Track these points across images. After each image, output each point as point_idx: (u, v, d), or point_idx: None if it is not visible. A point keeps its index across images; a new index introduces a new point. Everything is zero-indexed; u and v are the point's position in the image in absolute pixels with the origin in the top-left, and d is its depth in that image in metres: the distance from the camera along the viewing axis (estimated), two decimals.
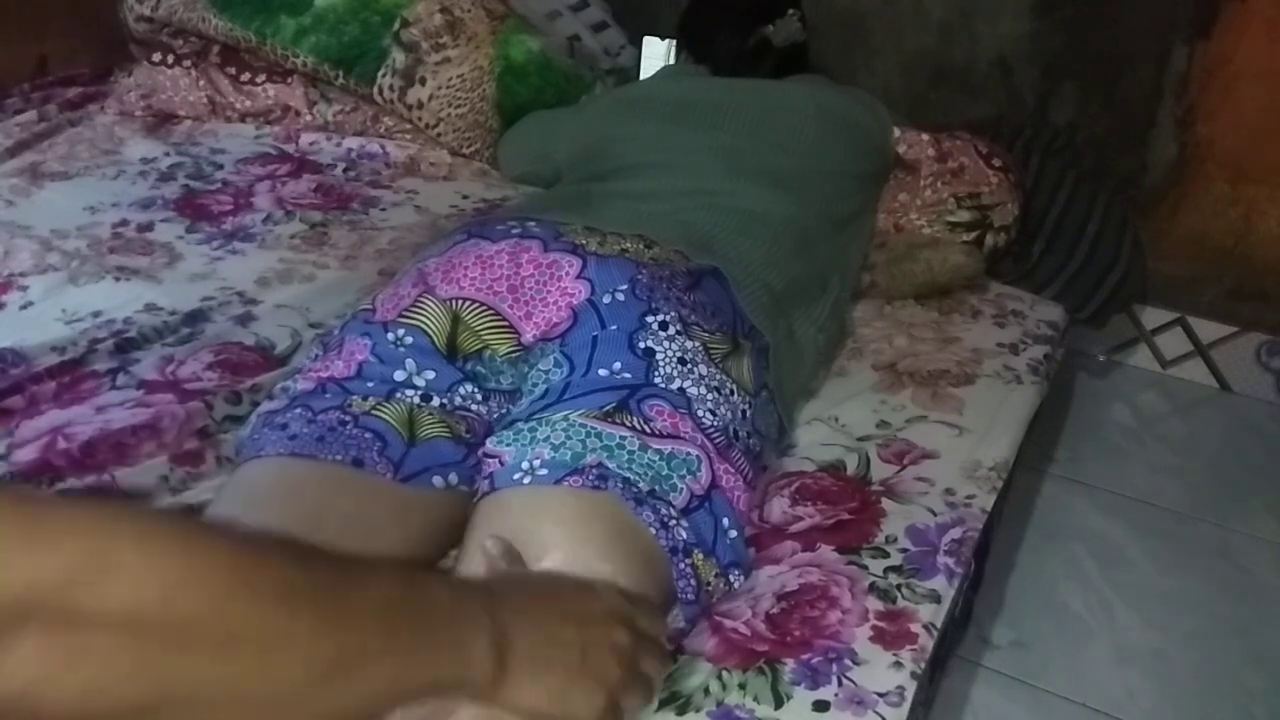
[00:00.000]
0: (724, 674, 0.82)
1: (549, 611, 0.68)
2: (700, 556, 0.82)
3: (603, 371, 0.87)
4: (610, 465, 0.80)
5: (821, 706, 0.80)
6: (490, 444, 0.85)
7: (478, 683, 0.61)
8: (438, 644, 0.59)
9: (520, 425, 0.85)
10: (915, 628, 0.87)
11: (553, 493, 0.79)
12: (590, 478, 0.79)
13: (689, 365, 0.89)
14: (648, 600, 0.76)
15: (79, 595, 0.43)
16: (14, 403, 1.06)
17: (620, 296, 0.92)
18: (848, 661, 0.83)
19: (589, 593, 0.72)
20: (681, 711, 0.79)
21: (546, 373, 0.90)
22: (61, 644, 0.43)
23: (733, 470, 0.86)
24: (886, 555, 0.95)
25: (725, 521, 0.84)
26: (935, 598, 0.91)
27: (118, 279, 1.31)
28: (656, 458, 0.82)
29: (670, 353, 0.89)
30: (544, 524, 0.78)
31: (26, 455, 0.99)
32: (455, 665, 0.59)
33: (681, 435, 0.85)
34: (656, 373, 0.87)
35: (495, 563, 0.74)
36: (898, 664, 0.84)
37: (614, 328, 0.90)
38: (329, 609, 0.52)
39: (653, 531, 0.79)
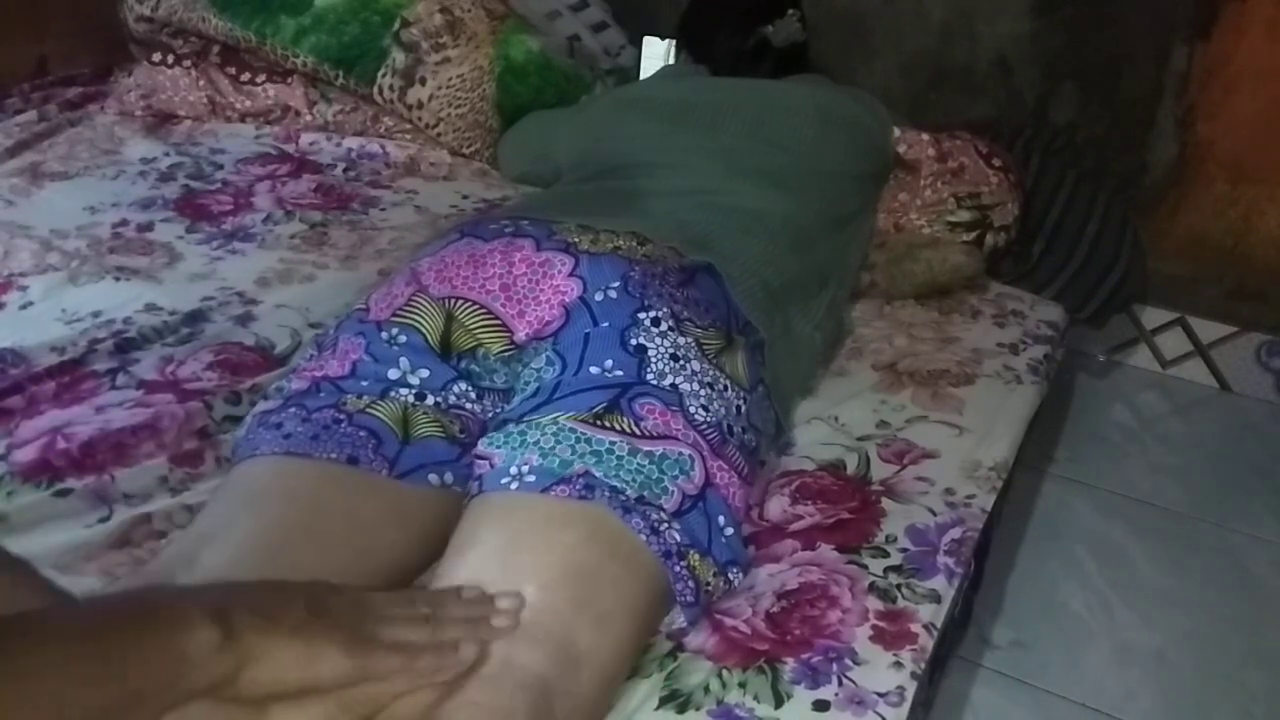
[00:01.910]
0: (724, 672, 0.82)
1: (265, 587, 0.68)
2: (697, 557, 0.82)
3: (594, 369, 0.87)
4: (598, 474, 0.80)
5: (821, 706, 0.80)
6: (481, 445, 0.85)
7: (208, 668, 0.59)
8: (148, 643, 0.57)
9: (511, 427, 0.85)
10: (915, 628, 0.87)
11: (539, 501, 0.79)
12: (577, 487, 0.79)
13: (681, 361, 0.88)
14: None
15: None
16: (14, 403, 1.06)
17: (612, 294, 0.92)
18: (848, 661, 0.83)
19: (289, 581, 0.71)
20: (681, 710, 0.79)
21: (538, 371, 0.90)
22: None
23: (727, 467, 0.86)
24: (886, 555, 0.95)
25: (721, 520, 0.84)
26: (935, 598, 0.91)
27: (118, 279, 1.31)
28: (646, 461, 0.82)
29: (662, 349, 0.89)
30: (525, 532, 0.78)
31: (26, 455, 0.99)
32: (172, 662, 0.57)
33: (673, 434, 0.84)
34: (648, 370, 0.87)
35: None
36: (898, 664, 0.84)
37: (606, 325, 0.90)
38: (36, 663, 0.51)
39: (643, 538, 0.79)
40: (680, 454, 0.84)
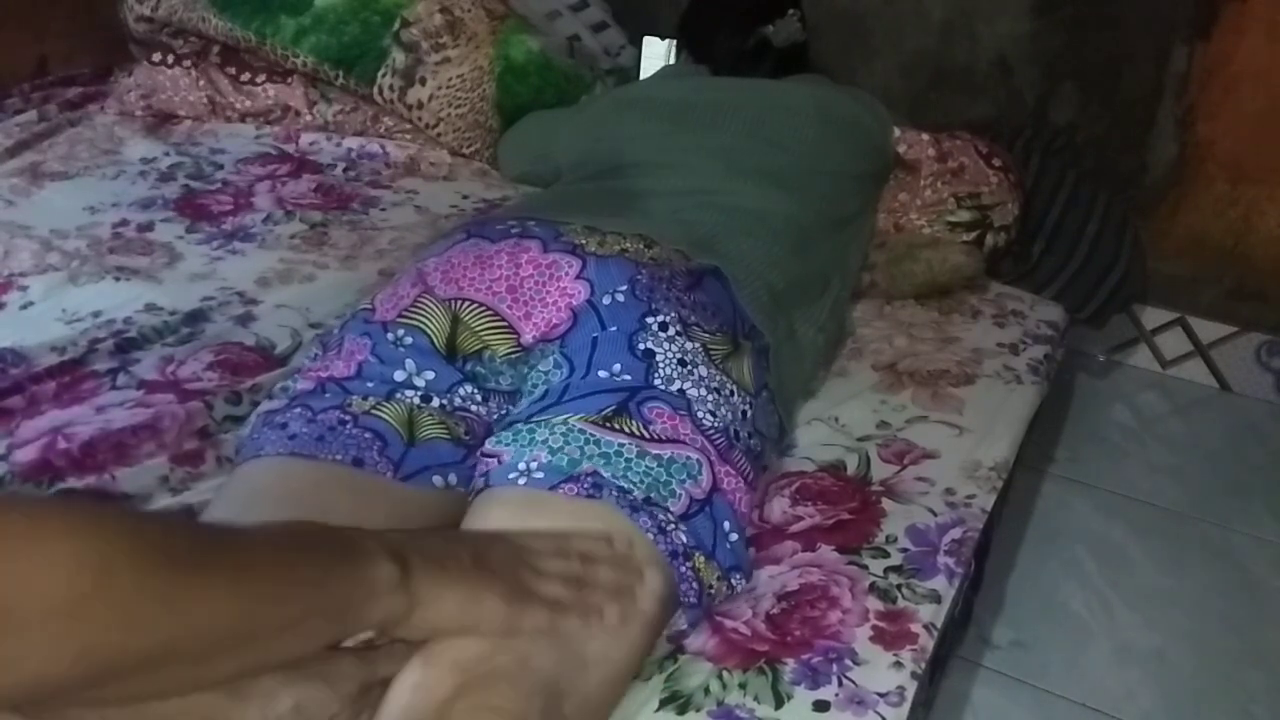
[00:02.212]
0: (724, 674, 0.82)
1: (433, 535, 0.72)
2: (702, 559, 0.82)
3: (602, 373, 0.87)
4: (606, 474, 0.80)
5: (822, 706, 0.80)
6: (489, 444, 0.85)
7: (389, 603, 0.63)
8: (334, 574, 0.61)
9: (519, 426, 0.85)
10: (915, 628, 0.87)
11: (546, 498, 0.79)
12: (585, 485, 0.79)
13: (689, 367, 0.88)
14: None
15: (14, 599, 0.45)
16: (14, 403, 1.06)
17: (620, 297, 0.92)
18: (848, 661, 0.83)
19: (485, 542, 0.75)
20: (682, 711, 0.79)
21: (546, 374, 0.90)
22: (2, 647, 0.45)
23: (734, 472, 0.86)
24: (887, 555, 0.95)
25: (726, 525, 0.84)
26: (935, 598, 0.91)
27: (118, 279, 1.31)
28: (655, 464, 0.82)
29: (670, 354, 0.89)
30: (534, 527, 0.78)
31: (26, 455, 0.99)
32: (359, 587, 0.62)
33: (681, 438, 0.84)
34: (656, 374, 0.87)
35: None
36: (898, 664, 0.84)
37: (614, 329, 0.90)
38: (215, 566, 0.54)
39: (650, 537, 0.79)
40: (688, 458, 0.84)
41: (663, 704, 0.79)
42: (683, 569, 0.80)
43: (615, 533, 0.79)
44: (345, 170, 1.69)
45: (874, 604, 0.89)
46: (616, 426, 0.83)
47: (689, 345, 0.90)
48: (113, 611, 0.48)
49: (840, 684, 0.81)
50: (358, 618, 0.63)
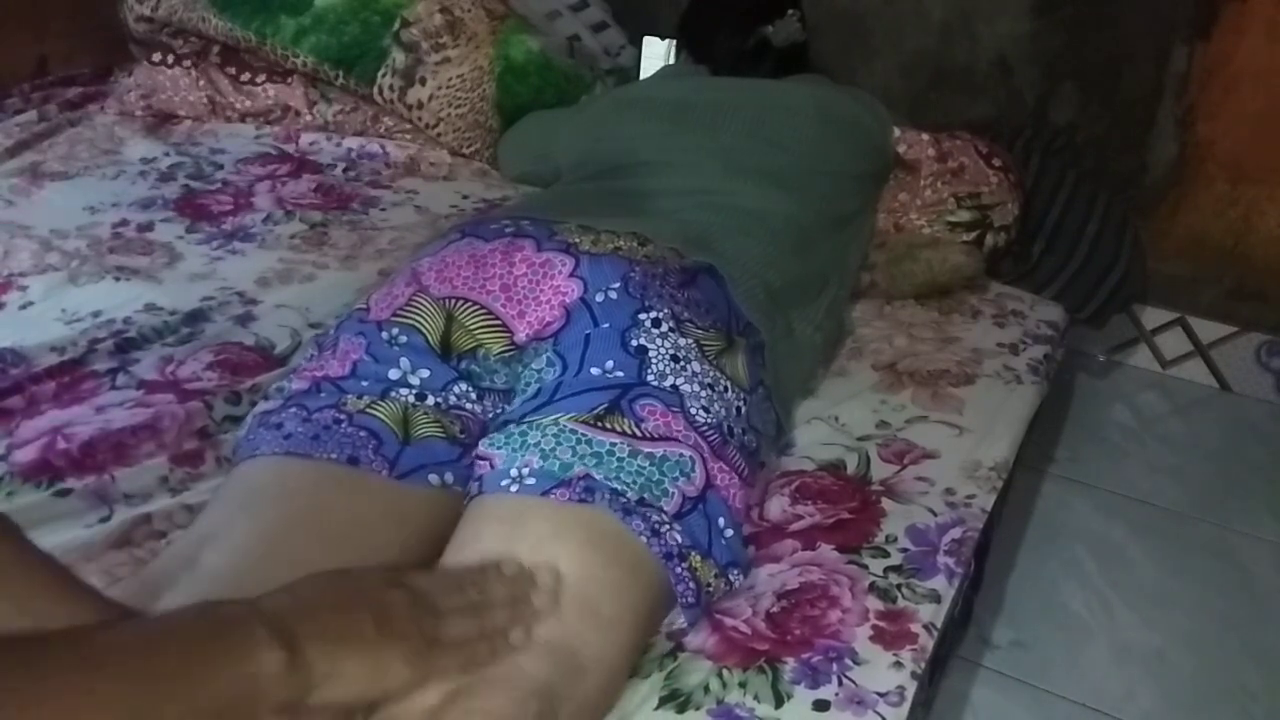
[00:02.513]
0: (724, 672, 0.82)
1: (319, 590, 0.66)
2: (698, 558, 0.82)
3: (595, 370, 0.87)
4: (598, 476, 0.80)
5: (821, 706, 0.80)
6: (482, 446, 0.85)
7: (280, 689, 0.58)
8: (218, 666, 0.56)
9: (512, 428, 0.85)
10: (915, 627, 0.87)
11: (539, 504, 0.79)
12: (577, 490, 0.79)
13: (682, 362, 0.88)
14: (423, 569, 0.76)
15: None
16: (14, 403, 1.06)
17: (613, 294, 0.92)
18: (848, 661, 0.83)
19: (350, 570, 0.71)
20: (681, 709, 0.79)
21: (539, 372, 0.90)
22: None
23: (728, 468, 0.86)
24: (887, 555, 0.95)
25: (721, 521, 0.84)
26: (935, 598, 0.91)
27: (118, 279, 1.31)
28: (647, 463, 0.82)
29: (663, 350, 0.88)
30: (526, 535, 0.78)
31: (26, 455, 0.99)
32: (242, 682, 0.57)
33: (674, 435, 0.84)
34: (649, 370, 0.87)
35: None
36: (898, 664, 0.84)
37: (606, 325, 0.90)
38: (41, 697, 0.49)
39: (643, 540, 0.79)
40: (681, 455, 0.84)
41: (662, 702, 0.79)
42: (678, 570, 0.80)
43: (607, 537, 0.78)
44: (345, 170, 1.69)
45: (874, 603, 0.89)
46: (608, 426, 0.83)
47: (682, 341, 0.90)
48: None
49: (840, 683, 0.81)
50: (249, 709, 0.57)
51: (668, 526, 0.80)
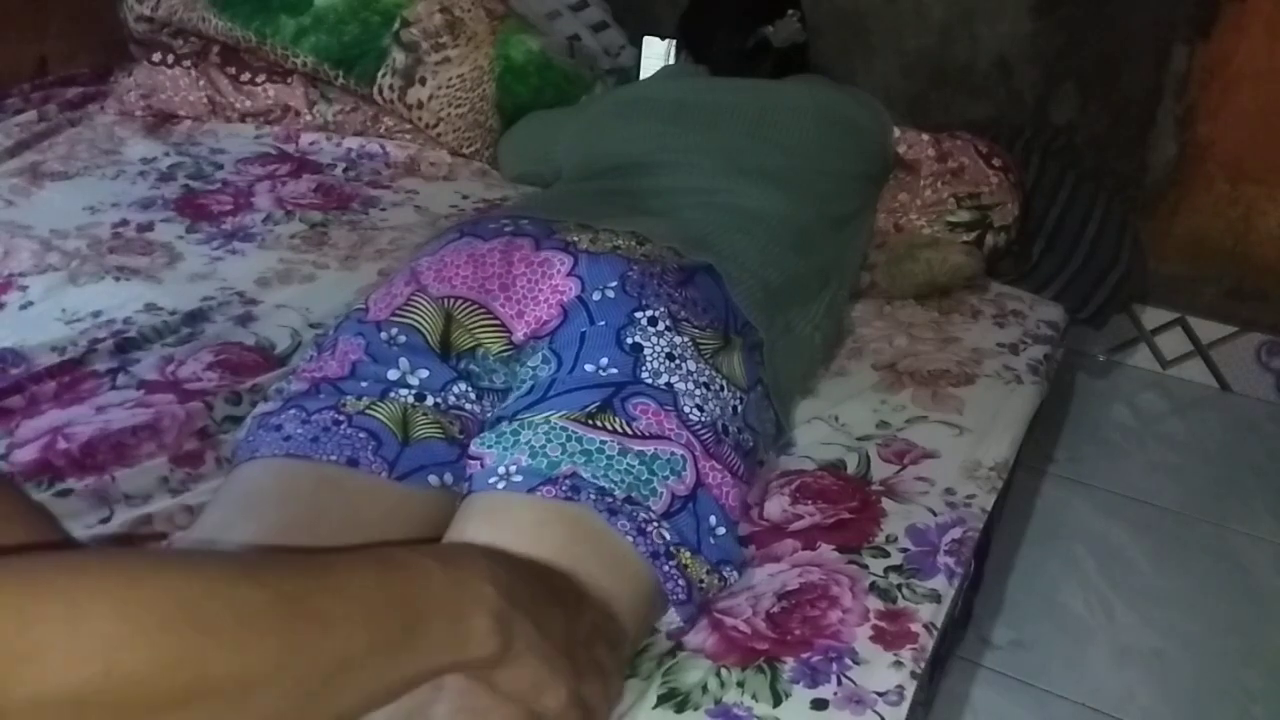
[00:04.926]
0: (723, 671, 0.82)
1: (543, 592, 0.65)
2: (688, 555, 0.81)
3: (589, 368, 0.87)
4: (585, 474, 0.80)
5: (820, 705, 0.80)
6: (474, 445, 0.85)
7: (479, 662, 0.59)
8: (432, 630, 0.56)
9: (503, 426, 0.85)
10: (915, 627, 0.87)
11: (523, 501, 0.79)
12: (563, 488, 0.79)
13: (677, 361, 0.88)
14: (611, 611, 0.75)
15: (10, 689, 0.39)
16: (14, 403, 1.06)
17: (610, 293, 0.92)
18: (847, 660, 0.83)
19: (575, 587, 0.72)
20: (680, 709, 0.78)
21: (534, 369, 0.90)
22: None
23: (721, 466, 0.86)
24: (887, 555, 0.95)
25: (712, 520, 0.84)
26: (935, 597, 0.91)
27: (118, 279, 1.31)
28: (636, 462, 0.82)
29: (658, 348, 0.88)
30: (509, 531, 0.78)
31: (26, 455, 0.99)
32: (454, 648, 0.57)
33: (666, 434, 0.84)
34: (644, 368, 0.87)
35: None
36: (898, 663, 0.84)
37: (602, 323, 0.90)
38: (299, 625, 0.49)
39: (629, 539, 0.79)
40: (672, 454, 0.83)
41: (660, 701, 0.79)
42: (666, 568, 0.80)
43: (591, 534, 0.78)
44: (345, 170, 1.69)
45: (874, 603, 0.89)
46: (599, 424, 0.83)
47: (678, 339, 0.89)
48: (127, 702, 0.42)
49: (839, 683, 0.81)
50: (449, 661, 0.58)
51: (654, 525, 0.80)
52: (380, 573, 0.55)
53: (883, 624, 0.87)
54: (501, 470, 0.81)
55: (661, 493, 0.81)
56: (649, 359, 0.87)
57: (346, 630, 0.51)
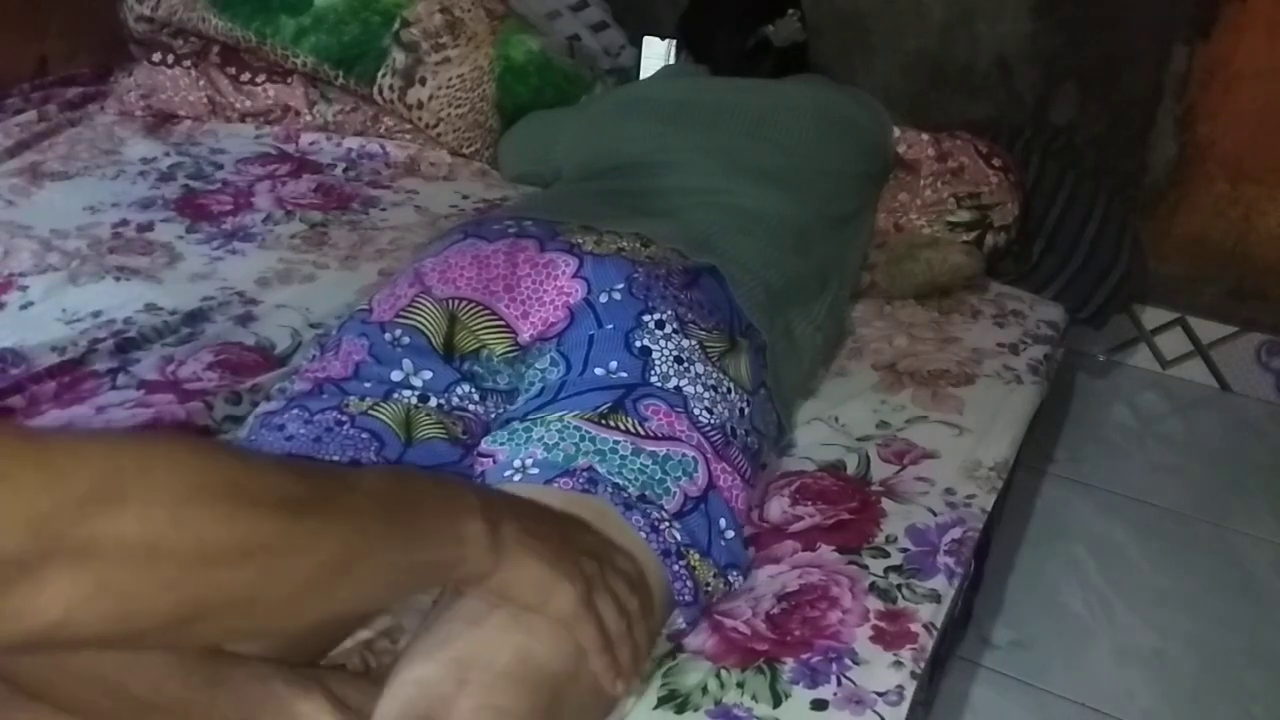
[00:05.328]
0: (723, 672, 0.82)
1: (528, 506, 0.72)
2: (697, 557, 0.82)
3: (599, 370, 0.87)
4: (601, 470, 0.80)
5: (820, 705, 0.80)
6: (485, 443, 0.85)
7: (476, 561, 0.63)
8: (433, 526, 0.62)
9: (515, 425, 0.85)
10: (915, 627, 0.87)
11: (542, 492, 0.79)
12: (581, 480, 0.79)
13: (685, 364, 0.88)
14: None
15: (95, 527, 0.45)
16: (14, 403, 1.06)
17: (617, 295, 0.92)
18: (847, 661, 0.83)
19: (579, 527, 0.76)
20: (680, 709, 0.79)
21: (543, 372, 0.90)
22: (87, 576, 0.45)
23: (730, 469, 0.86)
24: (887, 555, 0.95)
25: (722, 522, 0.84)
26: (935, 597, 0.91)
27: (118, 279, 1.31)
28: (650, 461, 0.82)
29: (667, 351, 0.89)
30: None
31: None
32: (453, 544, 0.62)
33: (678, 435, 0.84)
34: (653, 372, 0.87)
35: None
36: (898, 663, 0.84)
37: (610, 326, 0.90)
38: (328, 510, 0.56)
39: (643, 536, 0.79)
40: (684, 455, 0.84)
41: (661, 702, 0.79)
42: (676, 567, 0.80)
43: (608, 527, 0.79)
44: (345, 170, 1.69)
45: (874, 604, 0.89)
46: (612, 424, 0.83)
47: (685, 343, 0.90)
48: (190, 552, 0.49)
49: (839, 683, 0.81)
50: (449, 571, 0.64)
51: (667, 524, 0.80)
52: (389, 478, 0.62)
53: (883, 624, 0.87)
54: (517, 464, 0.81)
55: (675, 492, 0.82)
56: (658, 362, 0.88)
57: (366, 519, 0.57)
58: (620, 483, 0.80)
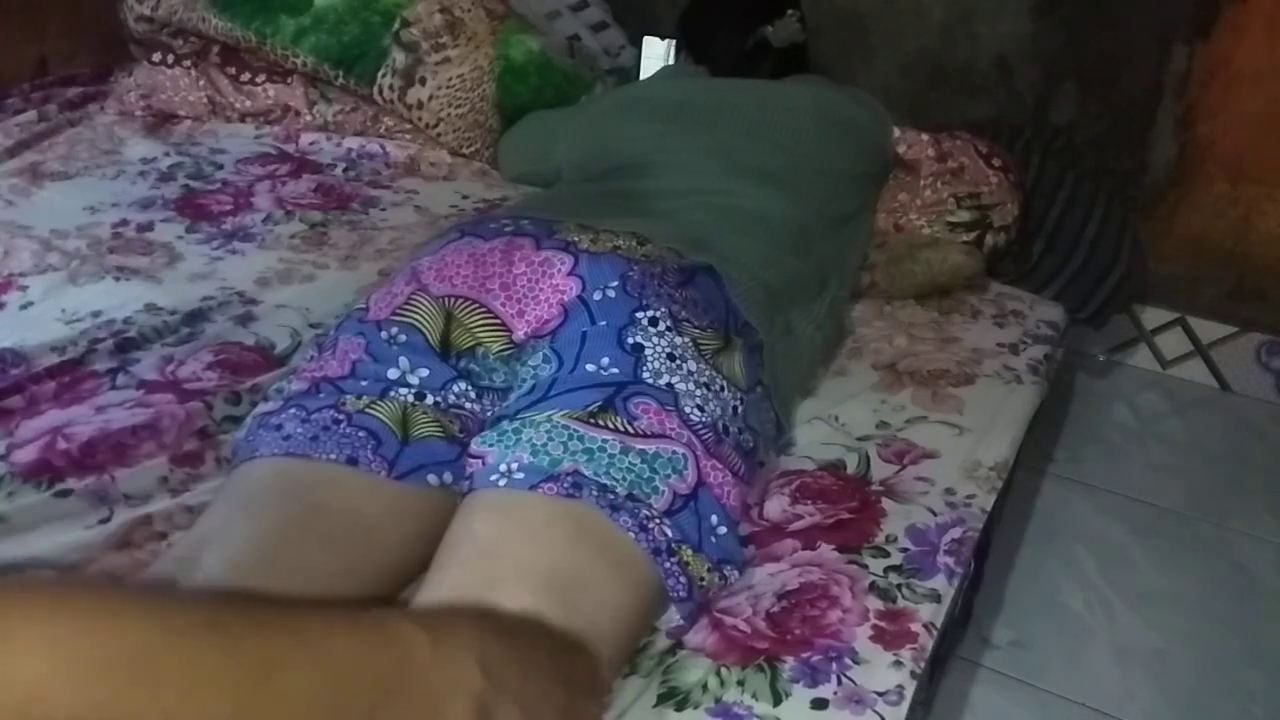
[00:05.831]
0: (723, 670, 0.82)
1: (539, 667, 0.63)
2: (689, 552, 0.81)
3: (590, 367, 0.87)
4: (586, 472, 0.80)
5: (820, 704, 0.80)
6: (475, 444, 0.85)
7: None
8: (401, 715, 0.53)
9: (505, 425, 0.85)
10: (915, 627, 0.87)
11: (525, 498, 0.79)
12: (565, 485, 0.79)
13: (677, 361, 0.88)
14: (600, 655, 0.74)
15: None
16: (14, 403, 1.06)
17: (611, 293, 0.92)
18: (847, 660, 0.83)
19: (575, 653, 0.70)
20: (680, 708, 0.79)
21: (535, 369, 0.90)
22: None
23: (722, 466, 0.86)
24: (887, 555, 0.95)
25: (714, 519, 0.84)
26: (935, 597, 0.91)
27: (118, 279, 1.31)
28: (638, 460, 0.82)
29: (659, 349, 0.88)
30: (520, 528, 0.78)
31: (26, 455, 0.99)
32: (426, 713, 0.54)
33: (667, 433, 0.84)
34: (644, 368, 0.87)
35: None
36: (898, 663, 0.84)
37: (603, 323, 0.90)
38: (253, 690, 0.47)
39: (631, 536, 0.79)
40: (674, 453, 0.83)
41: (660, 699, 0.79)
42: (667, 564, 0.80)
43: (593, 531, 0.78)
44: (345, 170, 1.69)
45: (874, 603, 0.89)
46: (601, 423, 0.83)
47: (678, 340, 0.90)
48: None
49: (839, 682, 0.81)
50: None
51: (656, 522, 0.80)
52: (358, 641, 0.53)
53: (882, 624, 0.87)
54: (503, 468, 0.81)
55: (663, 490, 0.81)
56: (650, 359, 0.88)
57: (305, 702, 0.49)
58: (607, 483, 0.80)
